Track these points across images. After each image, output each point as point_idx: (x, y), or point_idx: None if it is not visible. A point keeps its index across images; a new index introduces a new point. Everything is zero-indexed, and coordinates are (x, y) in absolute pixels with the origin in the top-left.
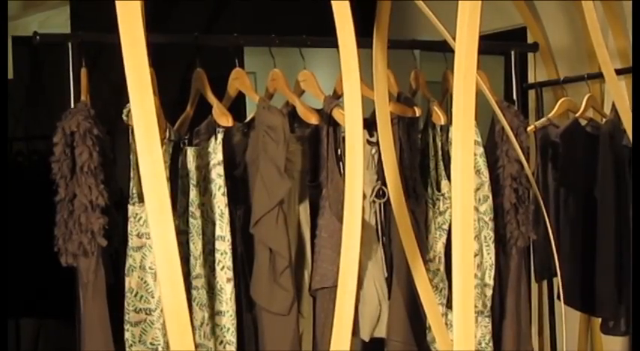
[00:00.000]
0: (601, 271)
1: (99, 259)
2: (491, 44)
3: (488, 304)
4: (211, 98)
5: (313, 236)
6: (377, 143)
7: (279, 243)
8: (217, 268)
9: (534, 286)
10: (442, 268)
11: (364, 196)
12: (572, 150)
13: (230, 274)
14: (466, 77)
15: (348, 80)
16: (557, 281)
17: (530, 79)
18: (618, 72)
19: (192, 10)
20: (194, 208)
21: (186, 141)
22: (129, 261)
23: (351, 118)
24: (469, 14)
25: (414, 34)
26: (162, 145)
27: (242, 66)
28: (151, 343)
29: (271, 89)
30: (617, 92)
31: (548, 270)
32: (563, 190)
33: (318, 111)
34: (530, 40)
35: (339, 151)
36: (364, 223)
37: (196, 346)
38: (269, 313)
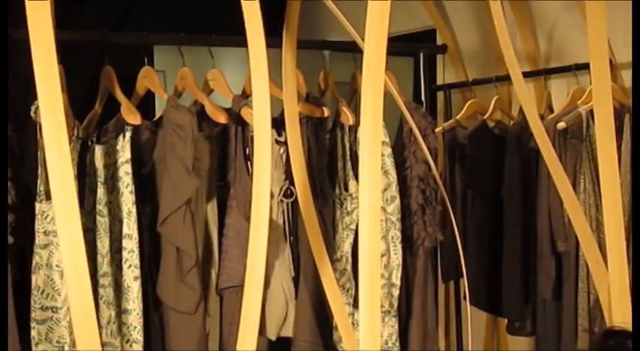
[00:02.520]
0: (507, 272)
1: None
2: (401, 46)
3: (395, 304)
4: (120, 96)
5: (221, 235)
6: (285, 143)
7: (186, 242)
8: (124, 267)
9: (441, 286)
10: (349, 268)
11: (272, 196)
12: (479, 151)
13: (137, 272)
14: (374, 78)
15: (256, 79)
16: (464, 282)
17: (439, 81)
18: (526, 75)
19: (102, 8)
20: (101, 206)
21: (94, 139)
22: (35, 258)
23: (259, 118)
24: (378, 15)
25: (324, 34)
26: (70, 143)
27: (152, 64)
28: (57, 342)
29: (180, 88)
30: (523, 95)
31: (455, 271)
32: (471, 192)
33: (227, 110)
34: (439, 42)
35: (247, 150)
36: (272, 223)
37: (103, 344)
38: (176, 312)
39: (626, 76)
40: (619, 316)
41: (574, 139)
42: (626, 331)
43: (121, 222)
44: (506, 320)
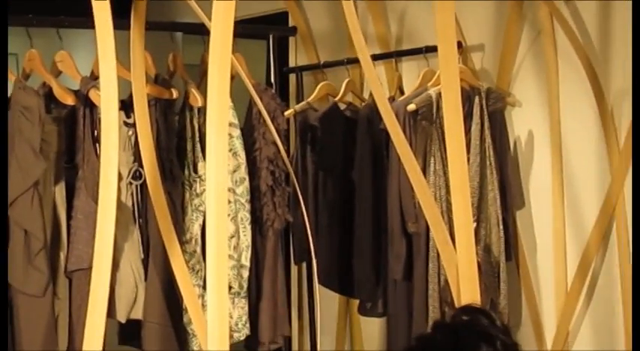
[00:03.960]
0: (358, 253)
1: None
2: (251, 28)
3: (245, 285)
4: None
5: (69, 218)
6: (134, 125)
7: (34, 224)
8: None
9: (294, 268)
10: (199, 249)
11: (120, 178)
12: (330, 133)
13: None
14: (221, 59)
15: (103, 61)
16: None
17: (292, 63)
18: (377, 57)
19: None
20: None
21: None
22: None
23: (106, 100)
24: None
25: (177, 16)
26: None
27: None
28: None
29: (28, 70)
30: (372, 77)
31: (307, 252)
32: (322, 173)
33: (75, 92)
34: (291, 25)
35: (95, 132)
36: (120, 205)
37: None
38: (24, 295)
39: (477, 59)
40: (467, 296)
41: (424, 121)
42: (483, 309)
43: None
44: (358, 301)
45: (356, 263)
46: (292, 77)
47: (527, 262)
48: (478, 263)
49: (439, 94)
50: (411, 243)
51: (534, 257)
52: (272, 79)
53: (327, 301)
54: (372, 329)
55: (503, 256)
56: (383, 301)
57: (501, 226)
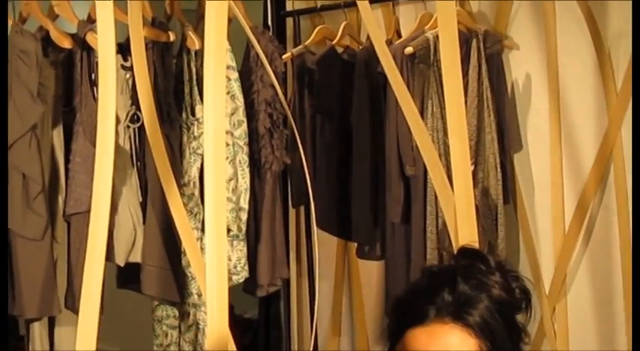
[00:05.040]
0: (356, 196)
1: None
2: None
3: (244, 228)
4: None
5: (67, 161)
6: (131, 68)
7: (33, 168)
8: None
9: (292, 211)
10: (197, 192)
11: (118, 121)
12: (328, 77)
13: None
14: (218, 2)
15: (100, 4)
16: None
17: (289, 7)
18: (373, 0)
19: None
20: None
21: None
22: None
23: (104, 43)
24: None
25: None
26: None
27: None
28: None
29: (25, 13)
30: (369, 21)
31: (306, 195)
32: (320, 117)
33: (72, 35)
34: None
35: (93, 75)
36: (118, 148)
37: None
38: (23, 239)
39: (474, 2)
40: (465, 237)
41: (422, 64)
42: (479, 251)
43: None
44: (356, 244)
45: (354, 206)
46: (289, 21)
47: (525, 204)
48: (476, 206)
49: (436, 37)
50: (408, 186)
51: (532, 200)
52: (269, 23)
53: (326, 244)
54: (370, 272)
55: (501, 199)
56: (381, 244)
57: (499, 169)
